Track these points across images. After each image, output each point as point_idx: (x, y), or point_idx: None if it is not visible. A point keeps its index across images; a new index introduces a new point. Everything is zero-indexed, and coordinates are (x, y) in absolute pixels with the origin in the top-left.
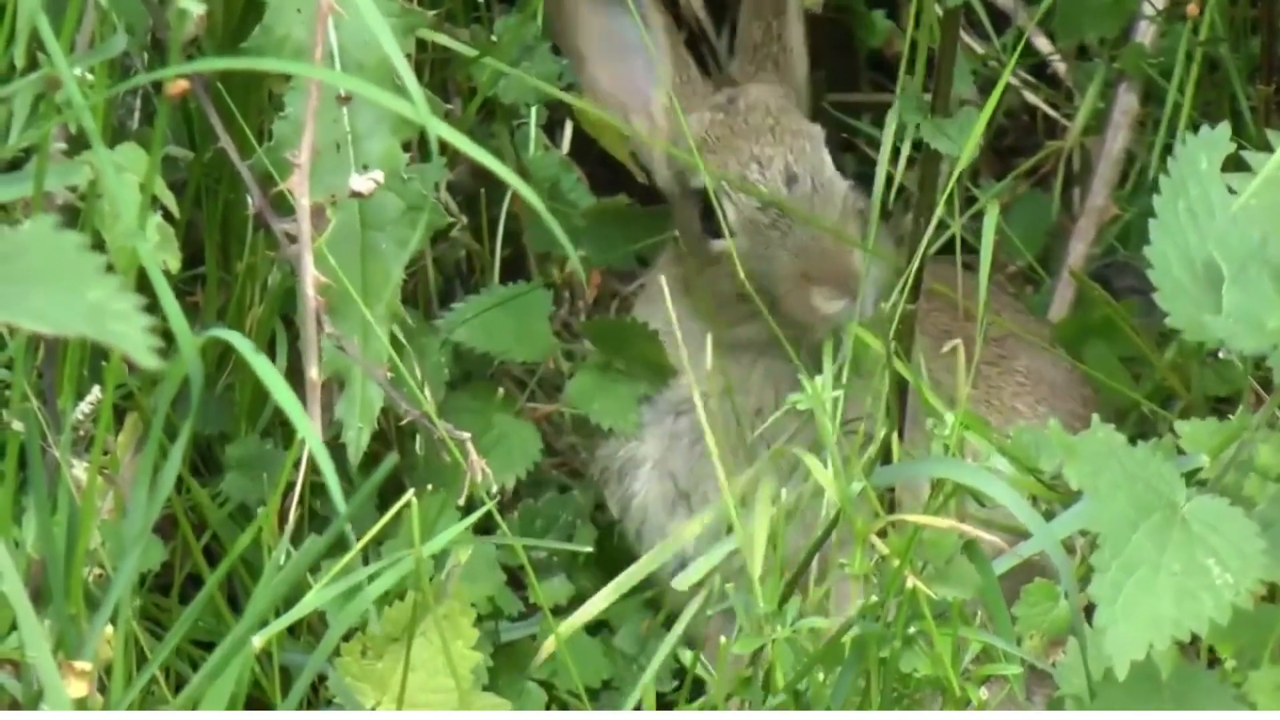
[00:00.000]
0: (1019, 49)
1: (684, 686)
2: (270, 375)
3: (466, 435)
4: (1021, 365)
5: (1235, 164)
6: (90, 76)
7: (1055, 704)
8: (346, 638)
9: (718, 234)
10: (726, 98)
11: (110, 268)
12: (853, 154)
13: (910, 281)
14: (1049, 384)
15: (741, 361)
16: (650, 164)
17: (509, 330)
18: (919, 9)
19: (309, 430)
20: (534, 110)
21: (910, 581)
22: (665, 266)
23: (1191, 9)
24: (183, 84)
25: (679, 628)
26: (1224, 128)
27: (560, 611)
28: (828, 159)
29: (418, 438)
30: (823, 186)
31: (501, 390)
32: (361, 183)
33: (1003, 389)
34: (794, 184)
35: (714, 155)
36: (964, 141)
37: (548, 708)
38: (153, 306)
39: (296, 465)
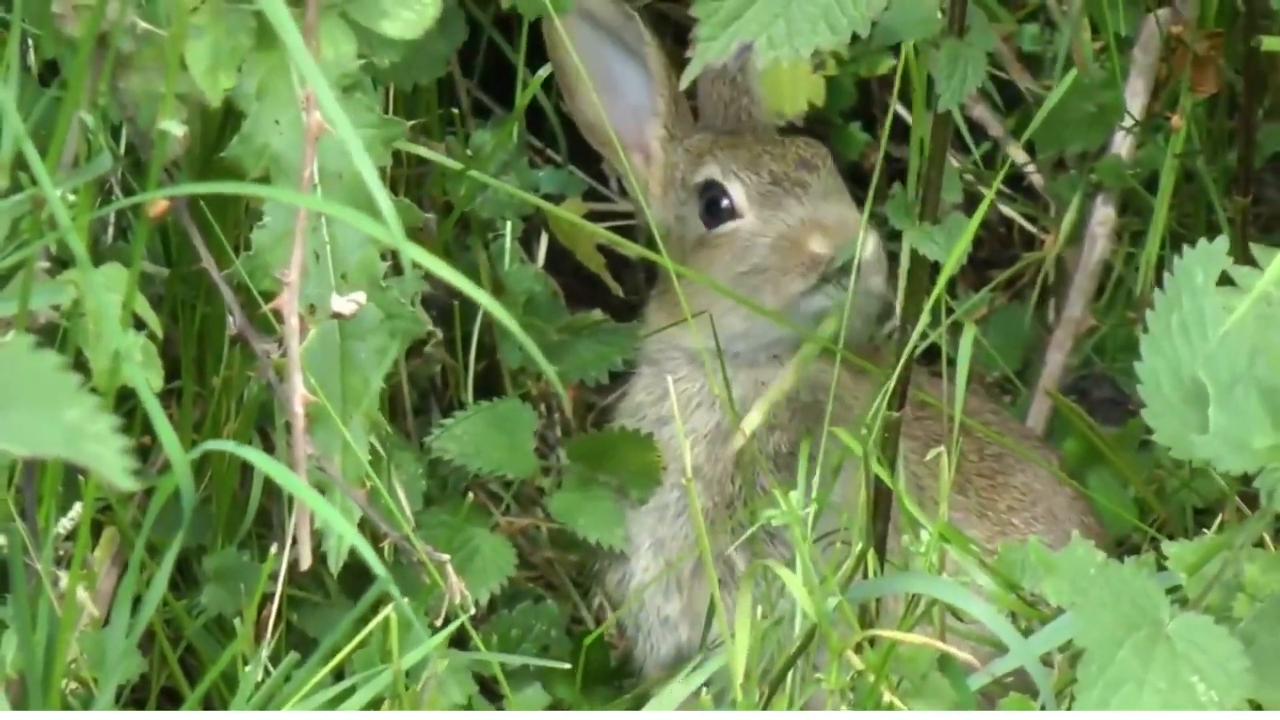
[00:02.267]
0: (1006, 165)
1: None
2: (288, 479)
3: (446, 557)
4: (1018, 482)
5: (1220, 279)
6: (73, 197)
7: None
8: None
9: (721, 220)
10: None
11: (90, 388)
12: None
13: (894, 389)
14: (1046, 506)
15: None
16: (647, 198)
17: (498, 446)
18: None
19: (335, 516)
20: (509, 224)
21: (886, 697)
22: (655, 312)
23: (1175, 121)
24: (164, 204)
25: None
26: (1221, 241)
27: None
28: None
29: (386, 550)
30: (834, 173)
31: (477, 504)
32: (343, 304)
33: (997, 501)
34: (805, 167)
35: (723, 152)
36: (951, 247)
37: None
38: (129, 423)
39: (273, 577)
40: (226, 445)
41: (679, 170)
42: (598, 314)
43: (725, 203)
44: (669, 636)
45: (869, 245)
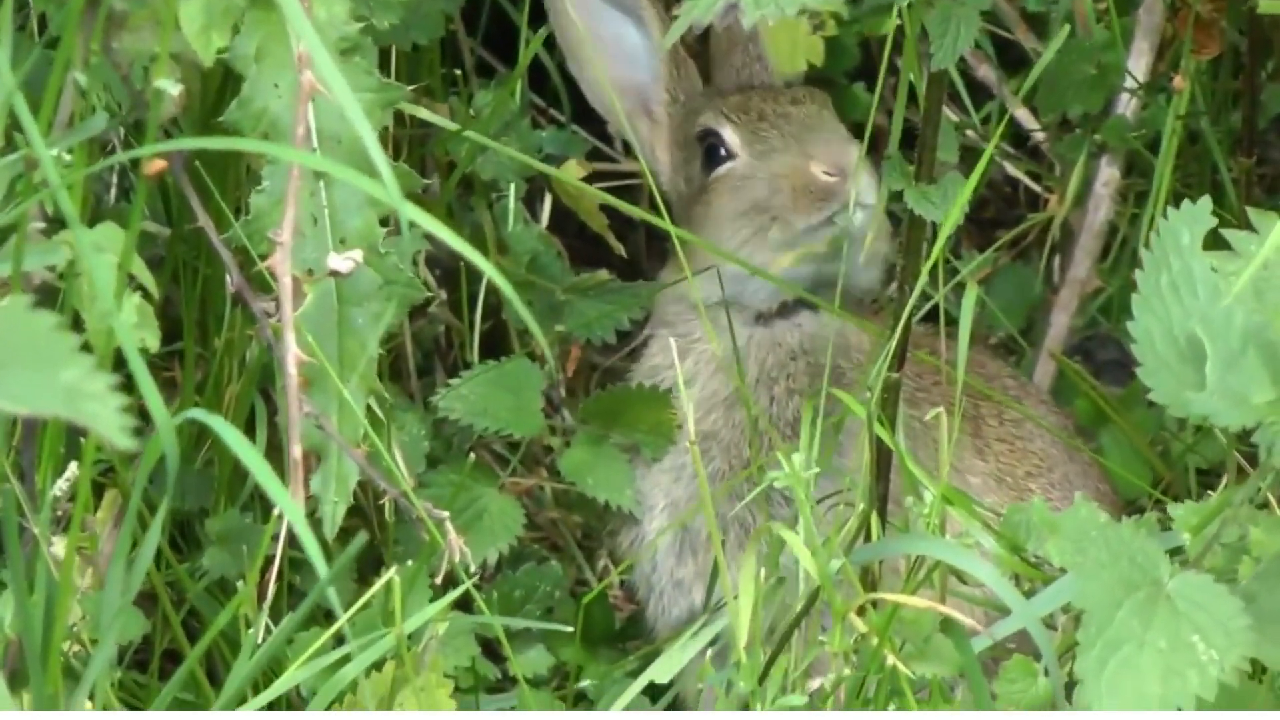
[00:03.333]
0: (1004, 121)
1: None
2: (250, 455)
3: (445, 515)
4: (1036, 449)
5: (1216, 241)
6: (68, 156)
7: None
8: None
9: (717, 164)
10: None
11: (85, 347)
12: None
13: (894, 351)
14: (1063, 472)
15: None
16: (654, 162)
17: (504, 405)
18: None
19: (290, 506)
20: (513, 185)
21: (890, 660)
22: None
23: (1178, 83)
24: (160, 163)
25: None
26: (1205, 203)
27: (540, 682)
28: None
29: (388, 508)
30: (830, 113)
31: (482, 464)
32: (340, 262)
33: (1016, 468)
34: (796, 103)
35: (719, 99)
36: (948, 207)
37: None
38: (131, 383)
39: (275, 539)
40: (210, 419)
41: (682, 131)
42: (604, 274)
43: (720, 149)
44: (681, 600)
45: (864, 174)
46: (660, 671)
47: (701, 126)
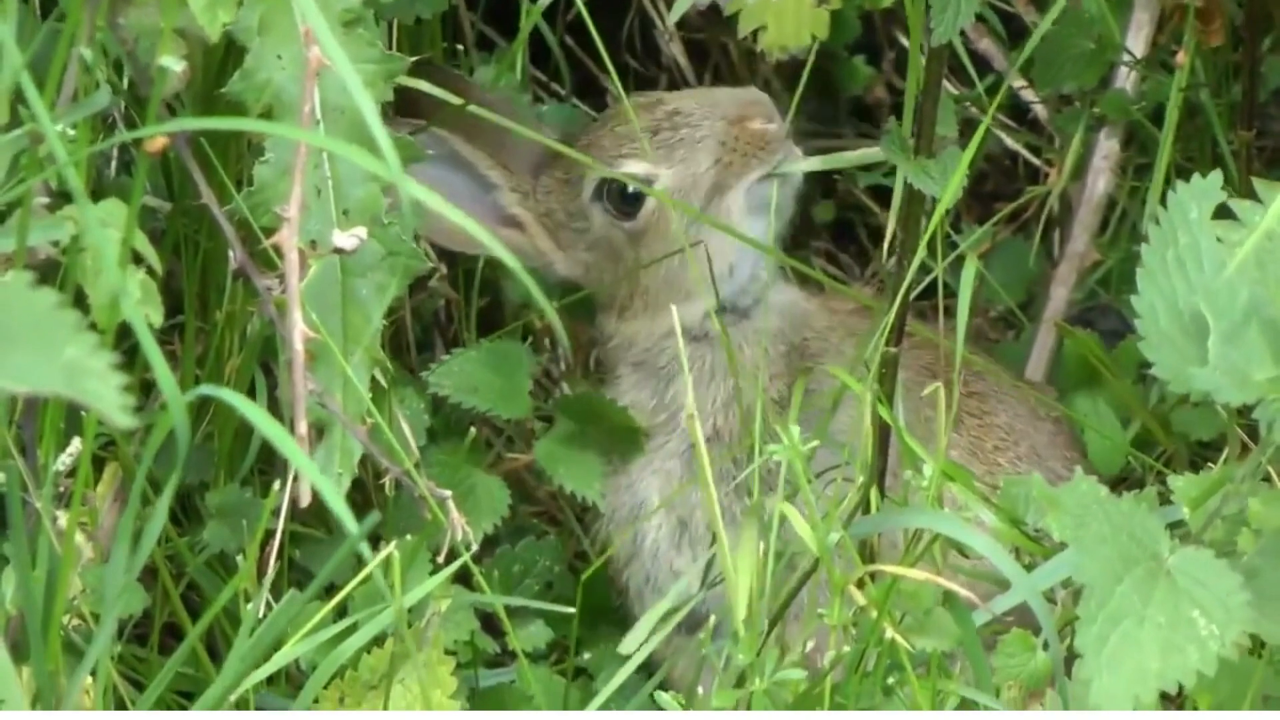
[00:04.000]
0: (1001, 94)
1: None
2: (268, 425)
3: (448, 493)
4: (1002, 421)
5: (1220, 212)
6: (72, 132)
7: None
8: (324, 685)
9: (641, 200)
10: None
11: (88, 324)
12: (833, 199)
13: (893, 325)
14: (1030, 443)
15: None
16: (541, 258)
17: (494, 386)
18: (910, 47)
19: (312, 469)
20: None
21: (889, 633)
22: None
23: (1180, 58)
24: (163, 140)
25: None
26: (1215, 177)
27: (540, 656)
28: None
29: (388, 484)
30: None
31: (475, 442)
32: (345, 239)
33: (984, 441)
34: (663, 103)
35: (589, 153)
36: (947, 181)
37: None
38: (131, 360)
39: (275, 513)
40: (222, 393)
41: (562, 209)
42: None
43: (628, 188)
44: (677, 585)
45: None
46: (632, 642)
47: (592, 185)
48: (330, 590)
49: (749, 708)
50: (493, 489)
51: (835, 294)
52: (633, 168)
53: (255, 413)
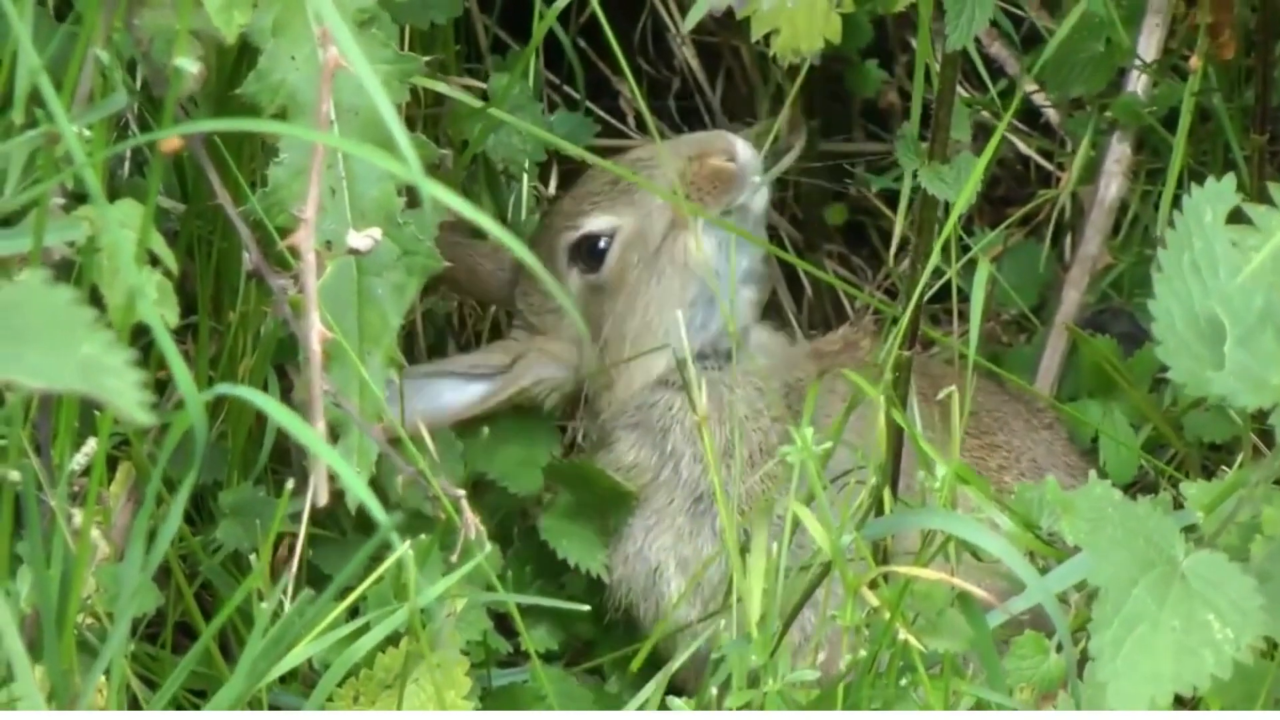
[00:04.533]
0: (1017, 100)
1: None
2: (290, 421)
3: (461, 493)
4: (1000, 440)
5: (1234, 216)
6: (88, 133)
7: None
8: (338, 684)
9: (606, 252)
10: None
11: (104, 322)
12: (844, 202)
13: (906, 329)
14: (1030, 458)
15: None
16: (562, 359)
17: (512, 457)
18: (919, 48)
19: (337, 460)
20: (525, 170)
21: (902, 634)
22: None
23: (1193, 63)
24: (177, 141)
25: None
26: (1229, 180)
27: (553, 656)
28: None
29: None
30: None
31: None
32: (360, 240)
33: (988, 460)
34: (616, 153)
35: (542, 253)
36: (961, 186)
37: None
38: (145, 361)
39: (294, 517)
40: (240, 390)
41: (536, 302)
42: None
43: (598, 242)
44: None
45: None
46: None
47: (563, 253)
48: (344, 591)
49: (762, 709)
50: None
51: (820, 338)
52: (595, 223)
53: (277, 410)
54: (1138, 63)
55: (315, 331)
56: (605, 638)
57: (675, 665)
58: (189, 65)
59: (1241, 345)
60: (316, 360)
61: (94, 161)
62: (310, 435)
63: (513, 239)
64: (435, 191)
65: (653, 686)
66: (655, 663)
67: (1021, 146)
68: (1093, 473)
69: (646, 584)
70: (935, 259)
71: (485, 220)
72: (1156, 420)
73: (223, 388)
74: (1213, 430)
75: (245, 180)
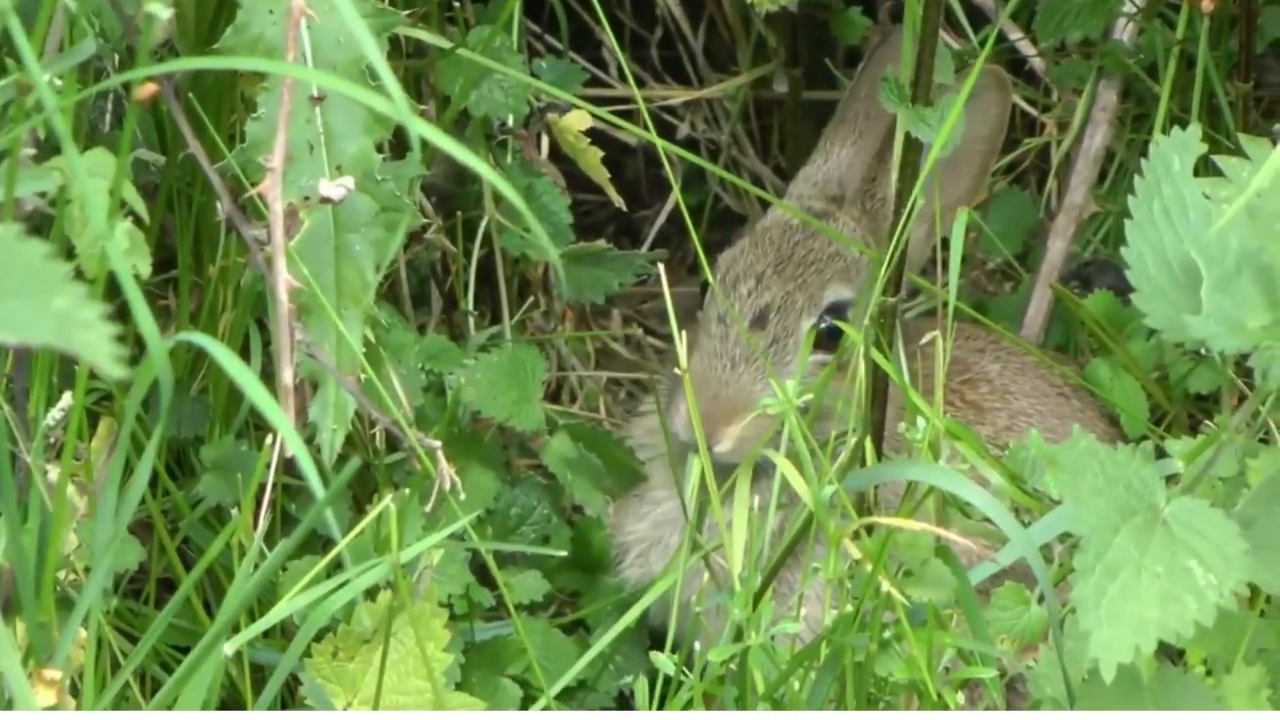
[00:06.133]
0: (993, 40)
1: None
2: (245, 378)
3: (437, 445)
4: (1003, 422)
5: (1209, 164)
6: (59, 81)
7: (1032, 707)
8: (317, 638)
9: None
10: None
11: (77, 275)
12: None
13: (890, 274)
14: (1043, 427)
15: None
16: None
17: (509, 396)
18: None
19: (285, 425)
20: (510, 118)
21: (885, 585)
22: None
23: (1205, 4)
24: (151, 87)
25: (626, 613)
26: (1195, 129)
27: (536, 607)
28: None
29: (378, 436)
30: (781, 337)
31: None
32: (332, 189)
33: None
34: (759, 323)
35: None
36: (943, 129)
37: (524, 704)
38: (124, 312)
39: (269, 467)
40: (199, 339)
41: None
42: (601, 243)
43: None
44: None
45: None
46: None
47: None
48: (326, 545)
49: (745, 663)
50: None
51: None
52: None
53: (231, 362)
54: (1129, 8)
55: (283, 281)
56: (590, 588)
57: (647, 602)
58: (160, 10)
59: (1219, 289)
60: (284, 311)
61: (63, 106)
62: (257, 390)
63: (497, 176)
64: (423, 130)
65: (625, 622)
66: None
67: None
68: (1076, 426)
69: (645, 551)
70: (920, 205)
71: (475, 161)
72: (1140, 376)
73: (188, 335)
74: (1198, 381)
75: (224, 137)
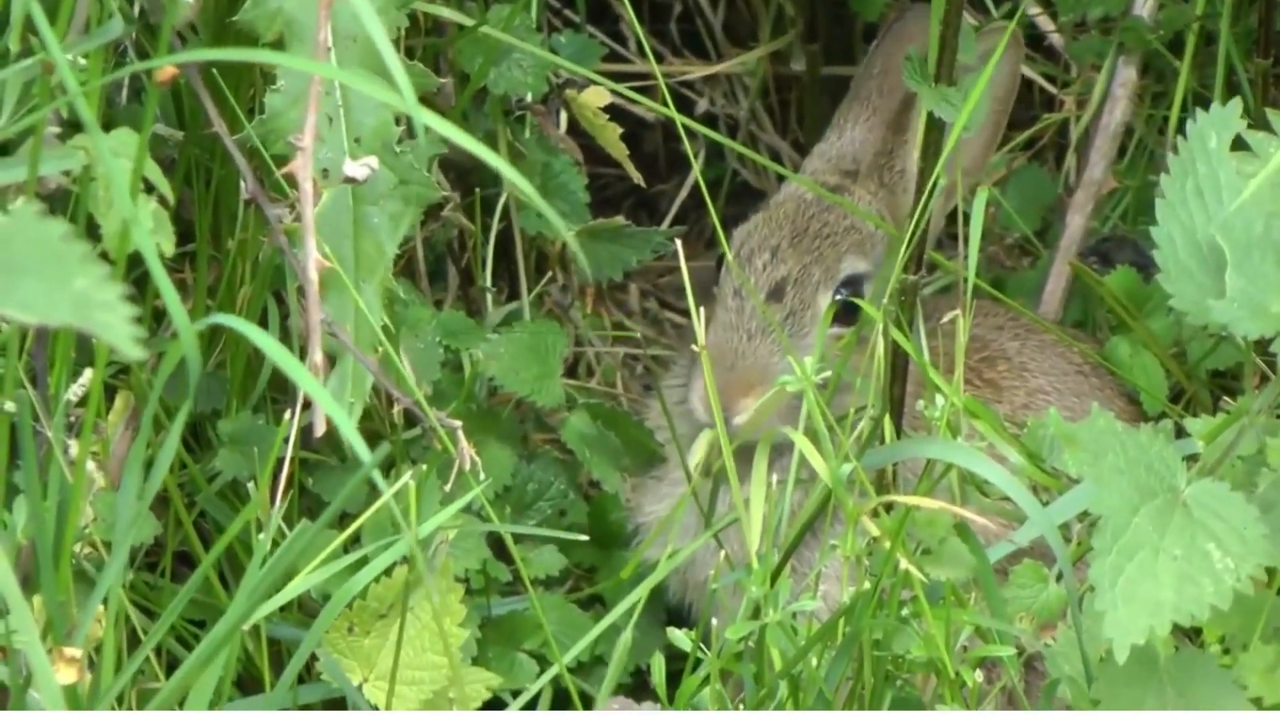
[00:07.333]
0: (1017, 17)
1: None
2: (284, 358)
3: (457, 424)
4: (1020, 401)
5: (1236, 142)
6: (83, 61)
7: (1049, 688)
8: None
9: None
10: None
11: (99, 255)
12: None
13: (911, 251)
14: (1061, 406)
15: None
16: None
17: (531, 371)
18: None
19: (324, 397)
20: (529, 94)
21: (903, 563)
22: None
23: None
24: (173, 70)
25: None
26: (1234, 105)
27: (553, 583)
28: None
29: (396, 414)
30: (798, 309)
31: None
32: (356, 169)
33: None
34: (775, 295)
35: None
36: (966, 108)
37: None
38: (142, 288)
39: (286, 441)
40: (233, 321)
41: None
42: (619, 220)
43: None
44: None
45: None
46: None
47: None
48: (343, 520)
49: (762, 640)
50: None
51: None
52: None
53: (267, 342)
54: None
55: (313, 260)
56: (606, 563)
57: (661, 573)
58: None
59: (1241, 272)
60: (314, 290)
61: (88, 89)
62: (297, 368)
63: (507, 166)
64: (429, 119)
65: (636, 594)
66: (657, 590)
67: (1025, 70)
68: (1094, 404)
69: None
70: (942, 181)
71: (478, 147)
72: (1159, 354)
73: (216, 317)
74: (1218, 358)
75: (243, 109)
